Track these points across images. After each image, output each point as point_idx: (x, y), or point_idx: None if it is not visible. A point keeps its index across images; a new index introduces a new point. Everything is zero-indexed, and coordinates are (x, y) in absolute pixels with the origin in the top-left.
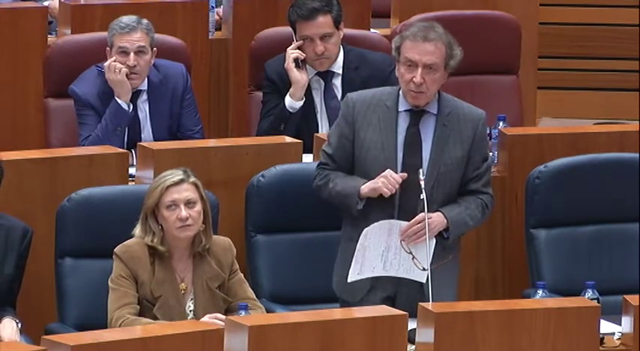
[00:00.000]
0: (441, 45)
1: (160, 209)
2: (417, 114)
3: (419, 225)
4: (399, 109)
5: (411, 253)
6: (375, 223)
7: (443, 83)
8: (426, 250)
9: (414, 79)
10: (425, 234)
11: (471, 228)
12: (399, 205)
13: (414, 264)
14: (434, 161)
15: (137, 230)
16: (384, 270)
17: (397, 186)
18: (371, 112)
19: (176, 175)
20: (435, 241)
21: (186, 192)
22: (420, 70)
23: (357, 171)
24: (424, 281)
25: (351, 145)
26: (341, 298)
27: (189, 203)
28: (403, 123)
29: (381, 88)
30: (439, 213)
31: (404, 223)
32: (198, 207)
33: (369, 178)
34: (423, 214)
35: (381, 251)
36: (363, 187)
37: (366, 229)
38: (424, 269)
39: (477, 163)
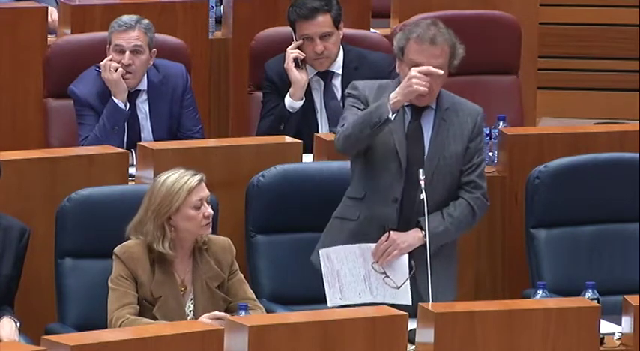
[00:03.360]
0: (447, 47)
1: (183, 210)
2: (418, 109)
3: (385, 243)
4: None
5: (384, 272)
6: (337, 247)
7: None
8: (426, 258)
9: None
10: (394, 250)
11: (454, 236)
12: (402, 198)
13: (386, 283)
14: (432, 155)
15: (138, 234)
16: (372, 296)
17: (428, 79)
18: (379, 98)
19: (191, 174)
20: (407, 256)
21: (206, 189)
22: None
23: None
24: (410, 303)
25: None
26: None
27: (208, 200)
28: (406, 116)
29: (385, 80)
30: (416, 229)
31: (373, 245)
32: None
33: (378, 159)
34: (386, 234)
35: (362, 277)
36: (391, 96)
37: (325, 251)
38: (398, 287)
39: (472, 155)
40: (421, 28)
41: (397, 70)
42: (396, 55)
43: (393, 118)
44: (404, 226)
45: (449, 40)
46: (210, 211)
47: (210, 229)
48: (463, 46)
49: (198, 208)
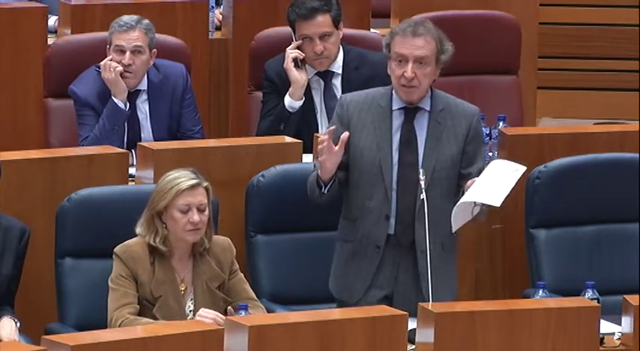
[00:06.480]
0: (431, 39)
1: (170, 210)
2: (410, 111)
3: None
4: (393, 108)
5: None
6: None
7: (440, 82)
8: (426, 258)
9: (405, 73)
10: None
11: None
12: (397, 203)
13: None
14: (428, 158)
15: (139, 228)
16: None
17: (325, 144)
18: (365, 114)
19: (190, 177)
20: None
21: (200, 196)
22: (410, 64)
23: (353, 172)
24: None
25: (346, 146)
26: (339, 299)
27: (201, 208)
28: (397, 122)
29: (375, 88)
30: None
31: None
32: (207, 211)
33: (365, 179)
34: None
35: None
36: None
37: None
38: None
39: (472, 158)
40: (405, 23)
41: (388, 72)
42: (386, 55)
43: (325, 192)
44: (402, 233)
45: (434, 34)
46: (196, 218)
47: (198, 237)
48: (452, 44)
49: (184, 212)
